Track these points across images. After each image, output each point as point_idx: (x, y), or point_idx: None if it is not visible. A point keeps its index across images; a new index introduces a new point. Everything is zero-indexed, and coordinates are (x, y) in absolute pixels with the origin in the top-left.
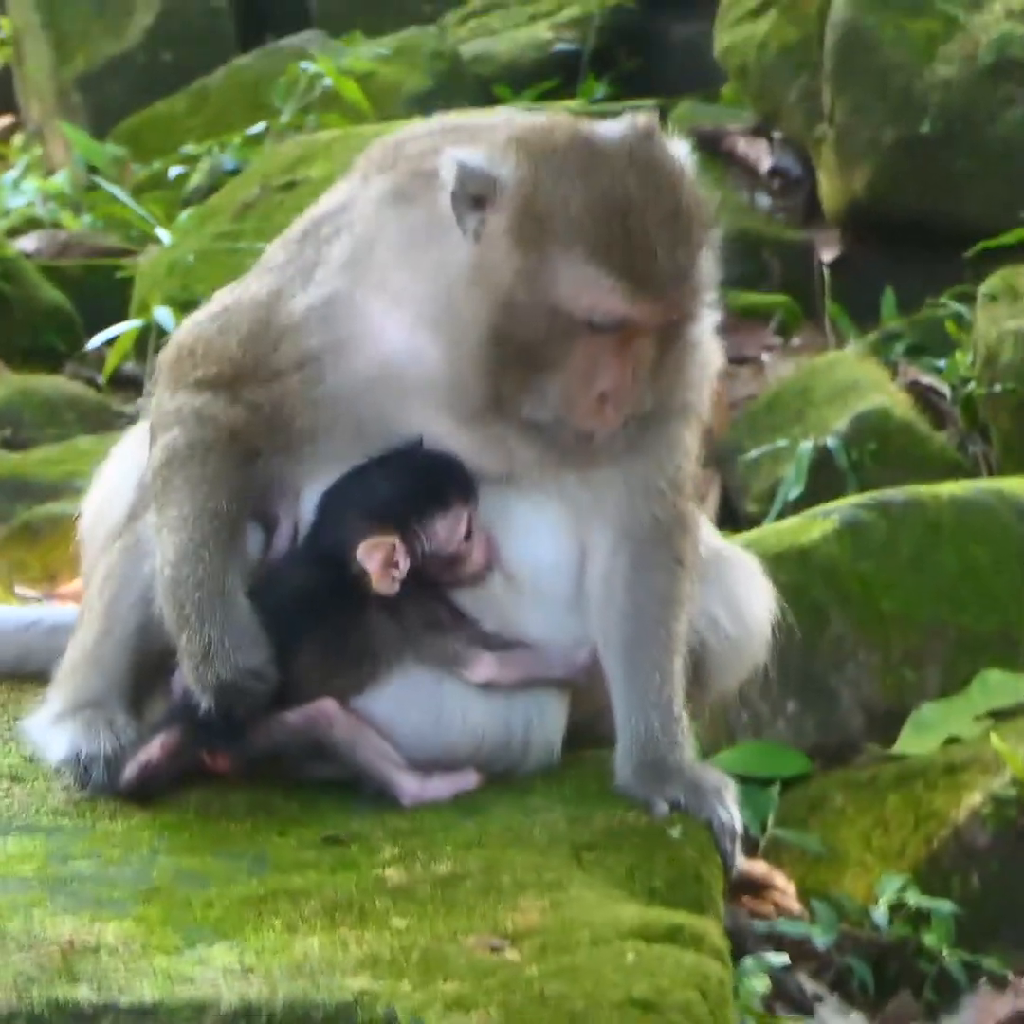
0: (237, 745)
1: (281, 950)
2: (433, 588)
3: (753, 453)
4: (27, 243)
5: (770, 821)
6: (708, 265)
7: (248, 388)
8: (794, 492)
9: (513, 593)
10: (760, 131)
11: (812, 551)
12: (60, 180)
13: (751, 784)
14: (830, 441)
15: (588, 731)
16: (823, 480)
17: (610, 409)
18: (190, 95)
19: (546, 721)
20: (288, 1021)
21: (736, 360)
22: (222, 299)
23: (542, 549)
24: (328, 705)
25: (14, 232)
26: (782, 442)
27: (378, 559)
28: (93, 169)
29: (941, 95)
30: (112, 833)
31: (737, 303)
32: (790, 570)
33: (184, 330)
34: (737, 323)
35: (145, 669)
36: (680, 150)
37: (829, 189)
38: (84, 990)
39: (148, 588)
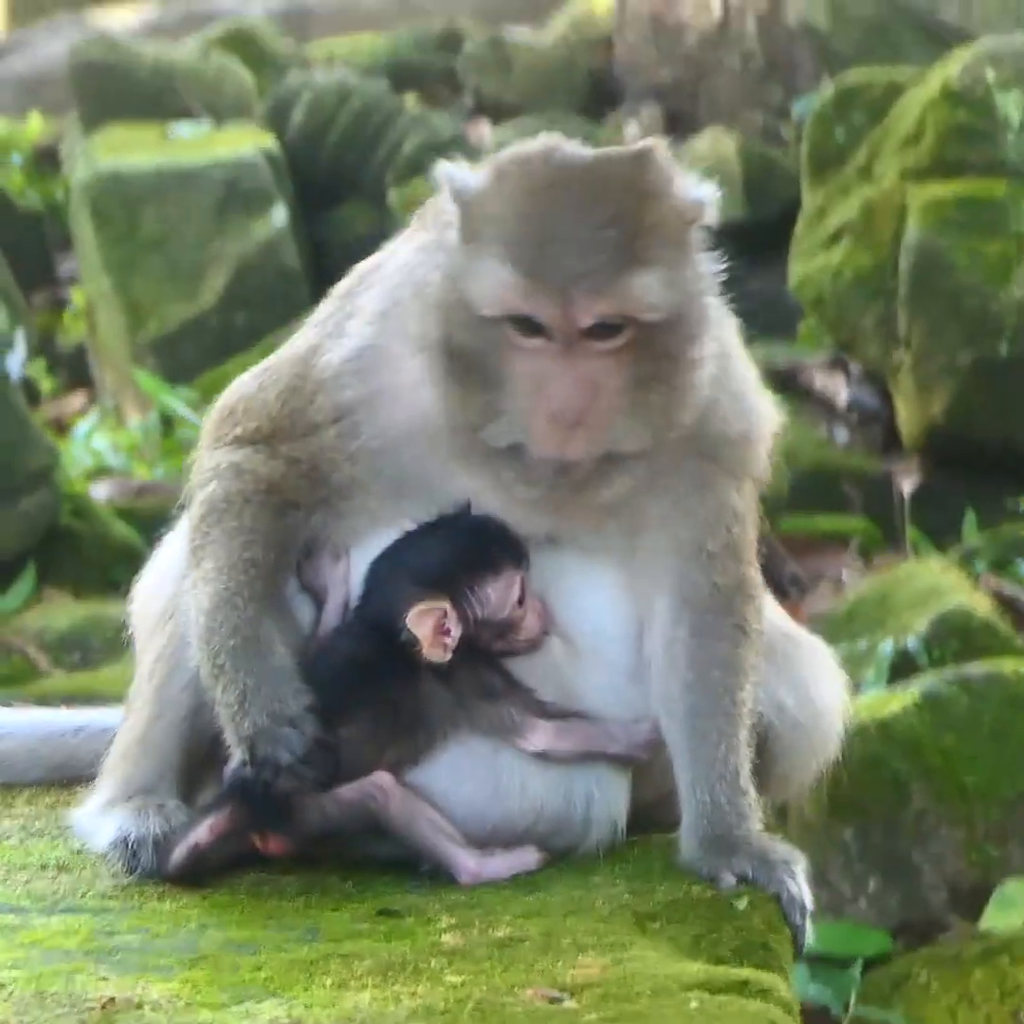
0: (288, 824)
1: (331, 1005)
2: (487, 656)
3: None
4: (99, 491)
5: (852, 1000)
6: (672, 287)
7: (286, 443)
8: (874, 692)
9: (571, 660)
10: (836, 365)
11: (893, 723)
12: (134, 429)
13: (832, 964)
14: (911, 641)
15: (652, 816)
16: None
17: (572, 434)
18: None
19: (608, 796)
20: None
21: (814, 579)
22: (268, 359)
23: (599, 615)
24: (383, 779)
25: (87, 479)
26: (862, 644)
27: (429, 626)
28: (166, 421)
29: (1017, 317)
30: (160, 911)
31: (817, 527)
32: (871, 743)
33: (228, 392)
34: (817, 545)
35: (196, 755)
36: (685, 180)
37: (907, 416)
38: None
39: (196, 672)
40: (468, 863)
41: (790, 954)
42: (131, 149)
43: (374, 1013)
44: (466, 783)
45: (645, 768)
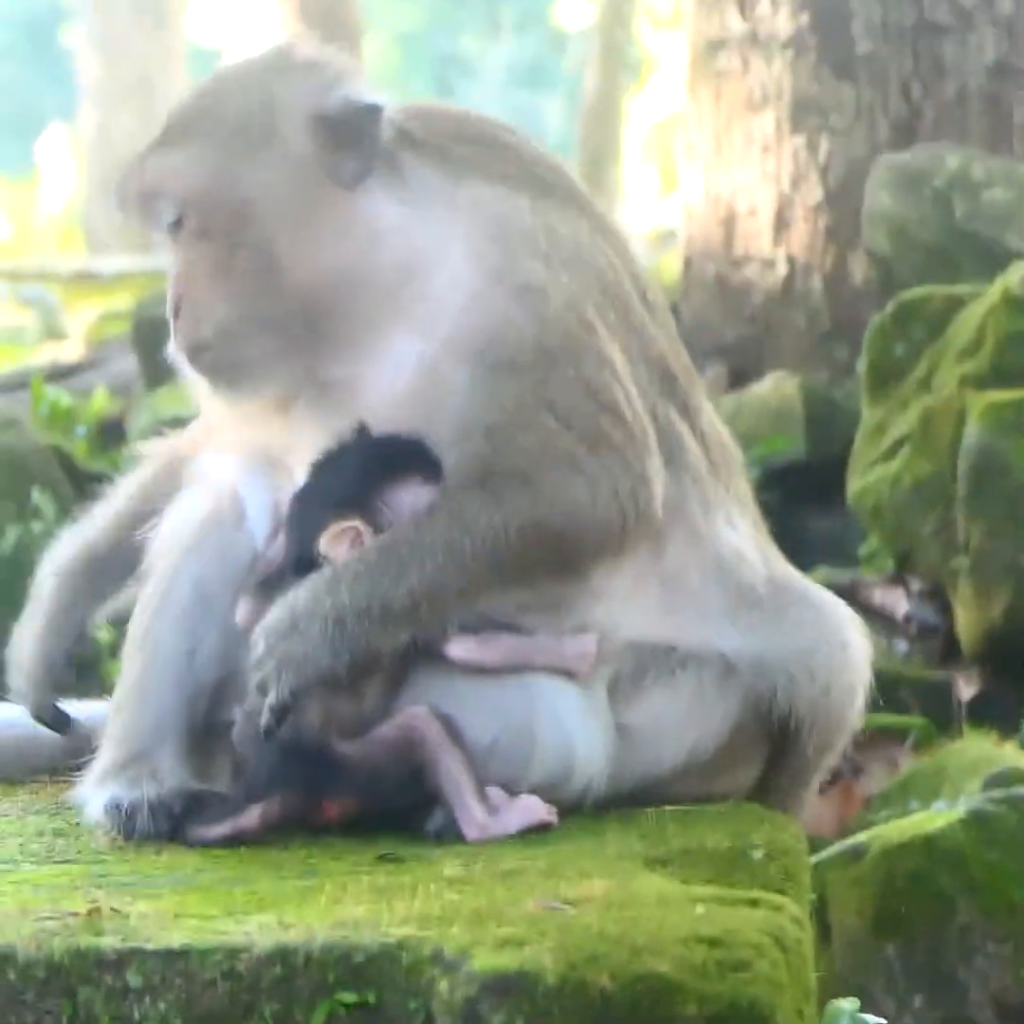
0: (343, 783)
1: (324, 916)
2: None
3: (883, 813)
4: None
5: None
6: (211, 170)
7: None
8: None
9: None
10: (896, 581)
11: (937, 839)
12: None
13: None
14: (963, 800)
15: (667, 791)
16: None
17: (175, 325)
18: None
19: (593, 745)
20: (327, 963)
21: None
22: None
23: None
24: (419, 713)
25: None
26: (913, 804)
27: (343, 546)
28: None
29: None
30: (156, 862)
31: (875, 722)
32: (914, 858)
33: None
34: (875, 738)
35: (197, 704)
36: (329, 78)
37: (966, 622)
38: (109, 940)
39: (193, 605)
40: (477, 815)
41: (807, 903)
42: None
43: (367, 920)
44: (474, 717)
45: (652, 735)
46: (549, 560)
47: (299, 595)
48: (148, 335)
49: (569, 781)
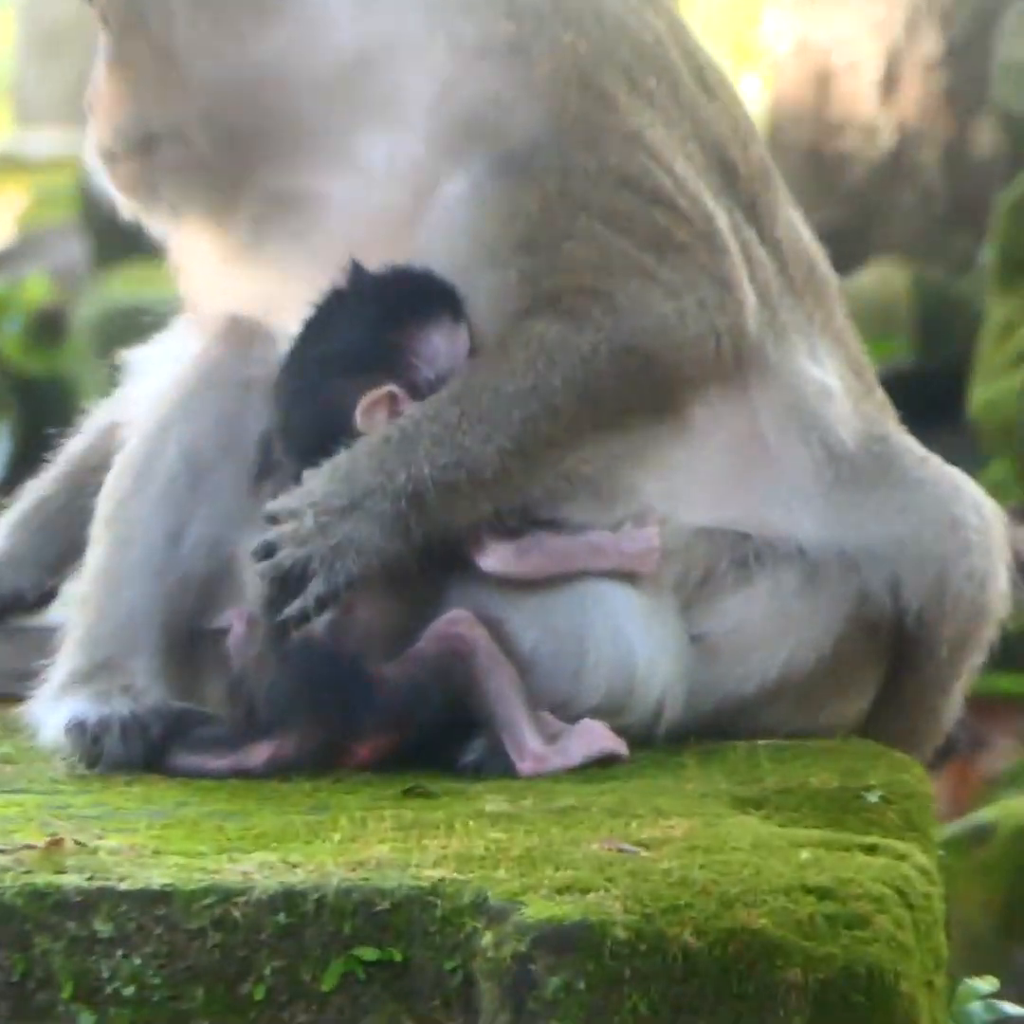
0: (379, 712)
1: (338, 854)
2: None
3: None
4: None
5: None
6: None
7: None
8: None
9: None
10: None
11: None
12: None
13: None
14: None
15: (752, 719)
16: None
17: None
18: None
19: (668, 665)
20: (342, 911)
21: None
22: None
23: None
24: (462, 617)
25: None
26: None
27: (383, 414)
28: None
29: None
30: (127, 793)
31: (997, 688)
32: None
33: None
34: (993, 707)
35: (180, 604)
36: None
37: None
38: (73, 878)
39: (180, 476)
40: (531, 744)
41: (936, 855)
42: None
43: (392, 860)
44: (529, 630)
45: (733, 648)
46: (644, 393)
47: (358, 464)
48: (99, 210)
49: (632, 703)
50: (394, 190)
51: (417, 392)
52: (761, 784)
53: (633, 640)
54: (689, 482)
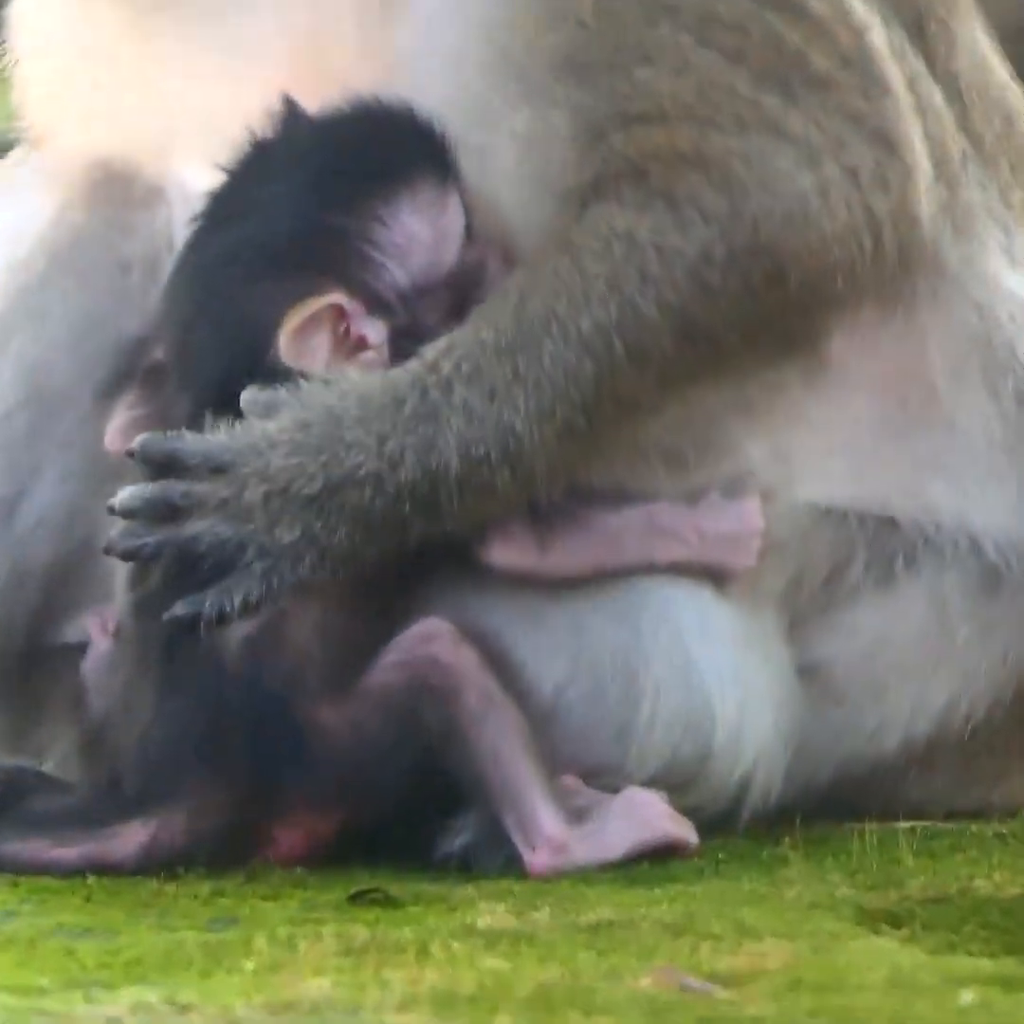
0: (316, 777)
1: (253, 992)
2: None
3: None
4: None
5: None
6: None
7: None
8: None
9: None
10: None
11: None
12: None
13: None
14: None
15: (883, 793)
16: None
17: None
18: None
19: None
20: None
21: None
22: None
23: None
24: (437, 630)
25: None
26: None
27: (324, 341)
28: None
29: None
30: None
31: None
32: None
33: None
34: None
35: (13, 609)
36: None
37: None
38: None
39: (19, 412)
40: (546, 825)
41: None
42: None
43: (335, 1001)
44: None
45: (863, 687)
46: (771, 318)
47: (339, 428)
48: None
49: (706, 770)
50: None
51: (382, 305)
52: (902, 890)
53: (711, 675)
54: (814, 441)
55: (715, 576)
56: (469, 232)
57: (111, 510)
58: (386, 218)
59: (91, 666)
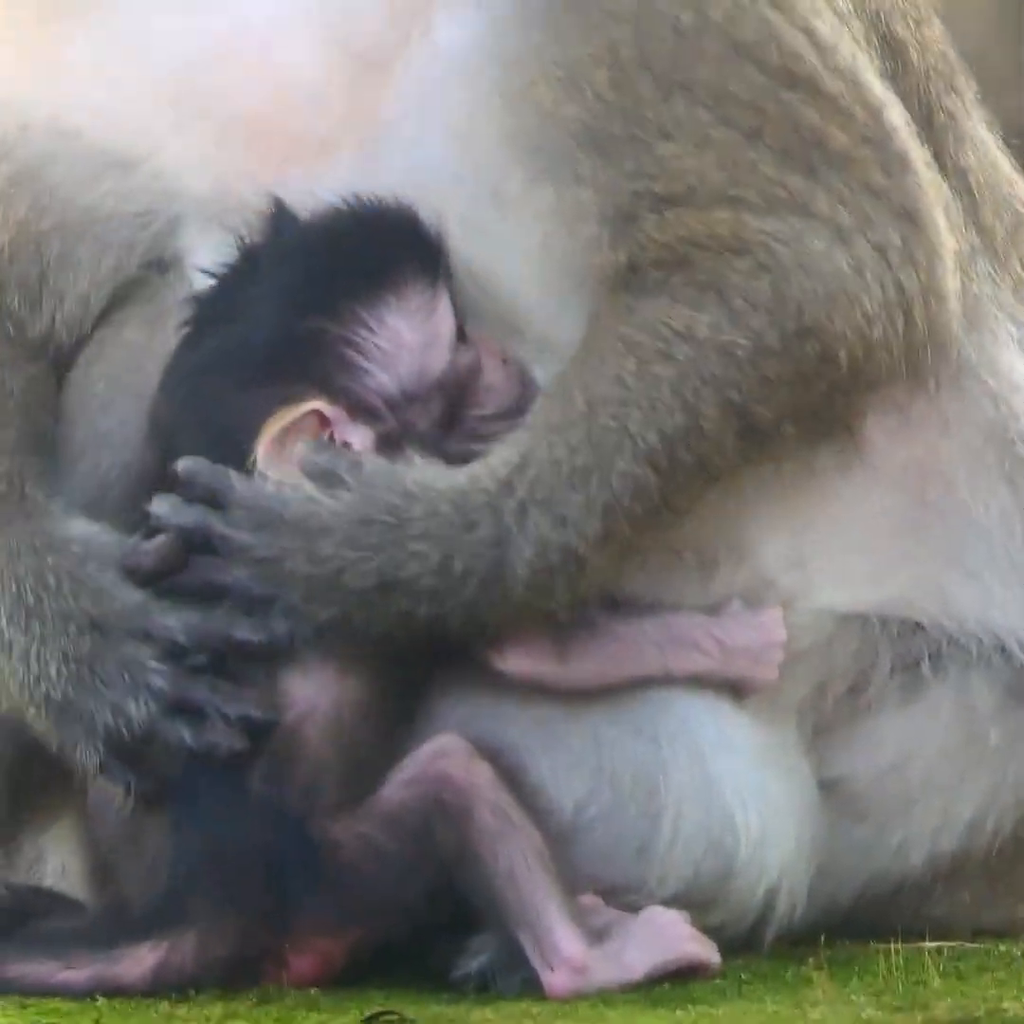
0: (324, 895)
1: None
2: None
3: None
4: None
5: None
6: None
7: None
8: None
9: None
10: None
11: None
12: None
13: None
14: None
15: (913, 911)
16: None
17: None
18: None
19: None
20: None
21: None
22: None
23: None
24: (452, 746)
25: None
26: None
27: (301, 452)
28: None
29: None
30: None
31: None
32: None
33: None
34: None
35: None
36: None
37: None
38: None
39: None
40: (568, 946)
41: None
42: None
43: None
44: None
45: (887, 802)
46: (814, 403)
47: (417, 486)
48: None
49: (728, 890)
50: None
51: (366, 411)
52: (928, 1011)
53: (732, 791)
54: (835, 540)
55: (736, 690)
56: (461, 334)
57: (145, 516)
58: (370, 323)
59: (101, 785)
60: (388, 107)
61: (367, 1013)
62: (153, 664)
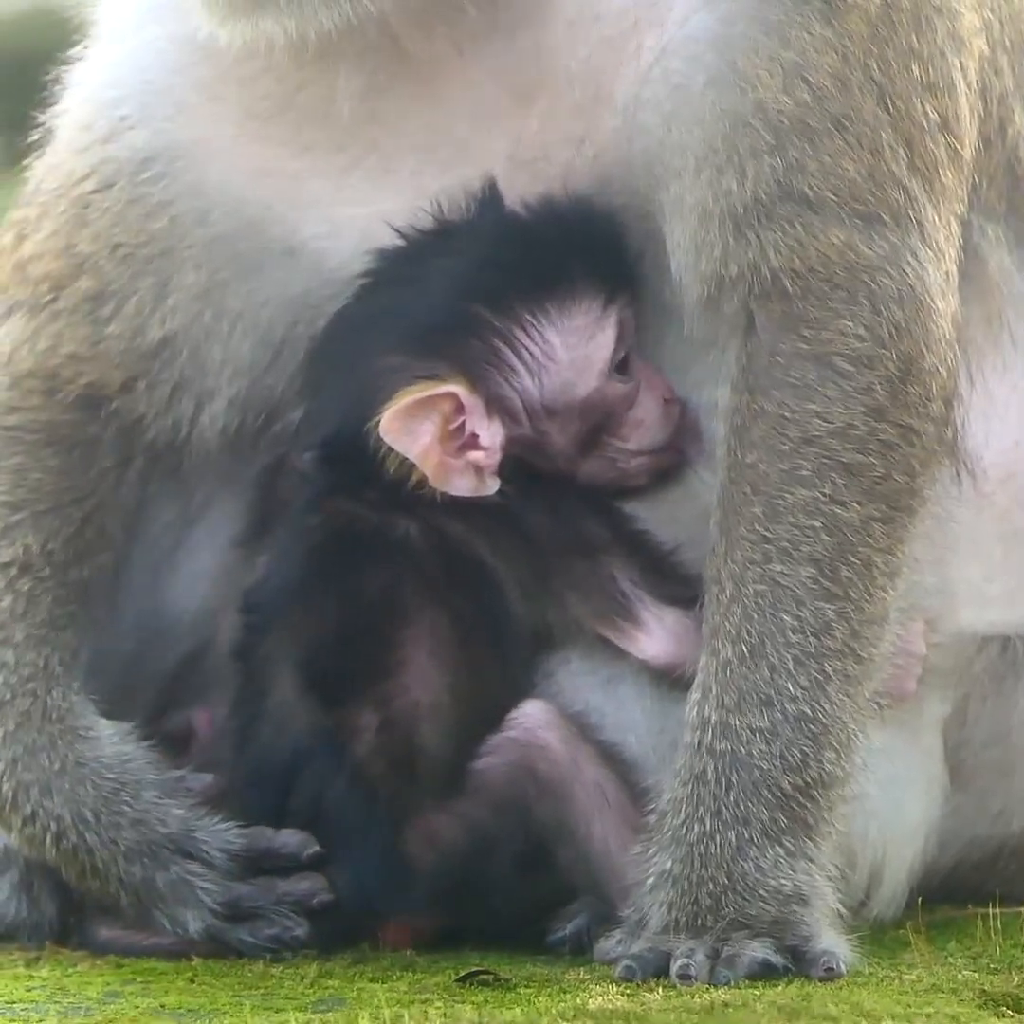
0: (416, 889)
1: None
2: (585, 498)
3: None
4: None
5: None
6: None
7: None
8: None
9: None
10: None
11: None
12: None
13: None
14: None
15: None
16: None
17: None
18: None
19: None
20: None
21: None
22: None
23: None
24: (535, 714)
25: None
26: None
27: (427, 430)
28: None
29: None
30: (29, 977)
31: None
32: None
33: None
34: None
35: None
36: None
37: None
38: None
39: None
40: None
41: None
42: None
43: None
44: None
45: (985, 770)
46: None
47: None
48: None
49: (874, 890)
50: (587, 33)
51: (505, 410)
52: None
53: (887, 820)
54: (971, 568)
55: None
56: (624, 364)
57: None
58: (529, 327)
59: (196, 758)
60: (623, 90)
61: (462, 973)
62: (200, 882)
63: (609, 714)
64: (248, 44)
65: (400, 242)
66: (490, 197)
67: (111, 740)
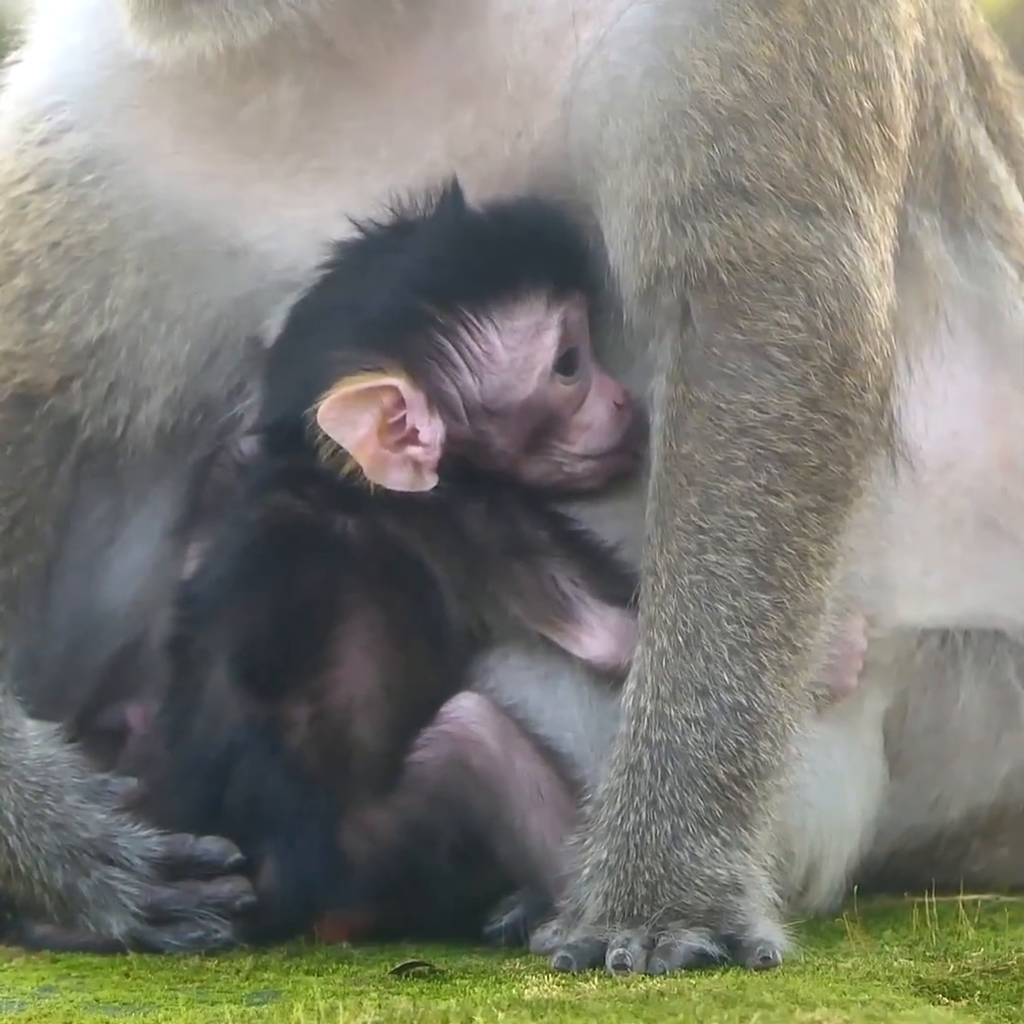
0: (352, 883)
1: None
2: (528, 500)
3: None
4: None
5: None
6: None
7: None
8: None
9: None
10: None
11: None
12: None
13: None
14: None
15: (943, 866)
16: None
17: None
18: None
19: (838, 823)
20: None
21: None
22: None
23: None
24: (469, 708)
25: None
26: None
27: (368, 421)
28: None
29: None
30: None
31: None
32: None
33: None
34: None
35: None
36: None
37: None
38: None
39: None
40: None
41: None
42: None
43: None
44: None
45: (922, 761)
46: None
47: None
48: None
49: (810, 886)
50: (523, 27)
51: (446, 407)
52: (960, 961)
53: (823, 812)
54: (910, 562)
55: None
56: (571, 366)
57: None
58: (473, 326)
59: (131, 753)
60: (560, 83)
61: (398, 964)
62: (122, 887)
63: (547, 710)
64: (181, 62)
65: (358, 235)
66: (451, 195)
67: (35, 742)
